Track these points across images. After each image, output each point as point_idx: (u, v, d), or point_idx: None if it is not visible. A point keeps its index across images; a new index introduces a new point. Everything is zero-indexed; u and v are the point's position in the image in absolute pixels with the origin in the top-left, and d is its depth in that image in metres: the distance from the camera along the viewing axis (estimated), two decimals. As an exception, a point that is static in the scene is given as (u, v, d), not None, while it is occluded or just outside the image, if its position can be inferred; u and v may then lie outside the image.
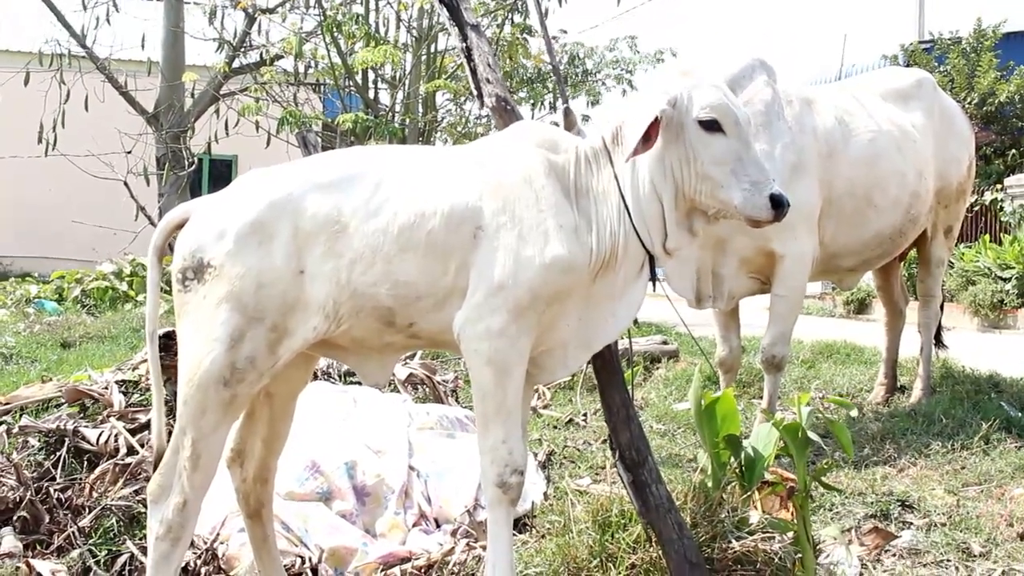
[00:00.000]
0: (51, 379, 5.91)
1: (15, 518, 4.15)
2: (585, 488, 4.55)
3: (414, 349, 3.93)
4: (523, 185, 3.10)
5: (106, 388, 5.26)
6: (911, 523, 4.27)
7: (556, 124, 3.57)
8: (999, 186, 15.87)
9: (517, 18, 12.28)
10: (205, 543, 3.95)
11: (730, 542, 3.36)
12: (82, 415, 5.10)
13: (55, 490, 4.34)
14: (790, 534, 3.47)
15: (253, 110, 11.68)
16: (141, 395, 5.26)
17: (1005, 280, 12.23)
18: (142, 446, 4.64)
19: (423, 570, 3.91)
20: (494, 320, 3.01)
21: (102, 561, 3.96)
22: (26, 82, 13.43)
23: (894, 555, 3.96)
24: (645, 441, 3.40)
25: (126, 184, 11.35)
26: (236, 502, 3.53)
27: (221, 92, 14.27)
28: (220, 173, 20.85)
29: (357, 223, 3.06)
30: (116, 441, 4.69)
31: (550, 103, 13.63)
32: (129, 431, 4.77)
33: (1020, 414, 5.70)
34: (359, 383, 5.75)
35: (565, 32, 14.63)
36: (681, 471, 4.68)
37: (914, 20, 21.16)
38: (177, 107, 14.75)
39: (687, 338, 7.63)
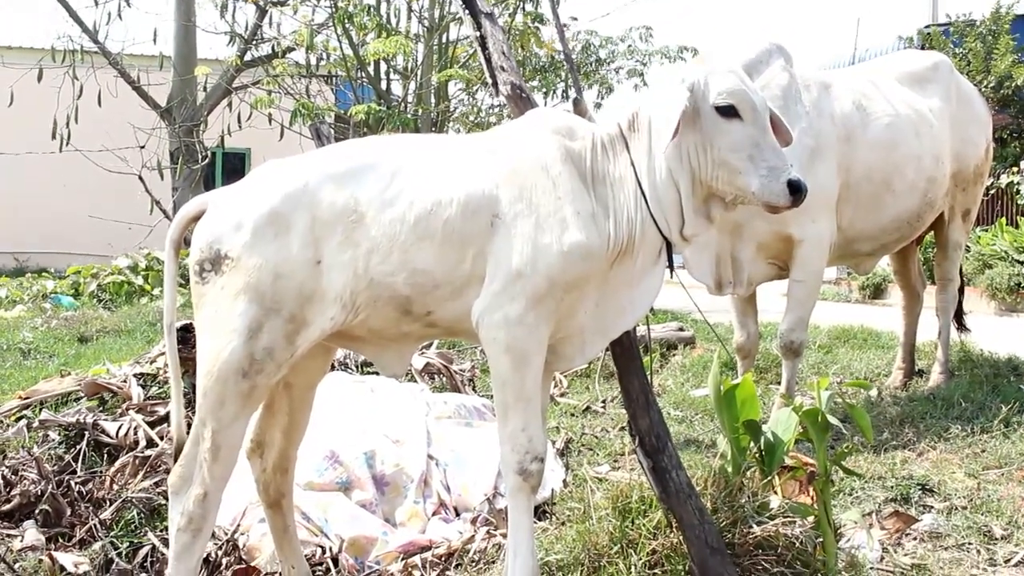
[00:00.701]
0: (69, 373, 5.93)
1: (37, 511, 4.18)
2: (604, 475, 4.55)
3: (432, 338, 3.94)
4: (539, 172, 3.09)
5: (124, 381, 5.28)
6: (932, 507, 4.25)
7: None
8: (1015, 169, 15.75)
9: (528, 6, 12.25)
10: (226, 534, 3.96)
11: (751, 527, 3.35)
12: (101, 408, 5.12)
13: (76, 483, 4.37)
14: (811, 519, 3.46)
15: (266, 103, 11.70)
16: (159, 388, 5.28)
17: (1022, 263, 12.15)
18: (161, 439, 4.65)
19: (443, 558, 3.92)
20: (512, 308, 3.01)
21: (124, 553, 3.98)
22: (39, 78, 13.46)
23: (915, 539, 3.95)
24: (665, 427, 3.39)
25: (140, 178, 11.37)
26: (256, 493, 3.54)
27: (233, 85, 14.29)
28: (233, 166, 20.89)
29: (374, 213, 3.05)
30: (135, 434, 4.71)
31: (562, 92, 13.59)
32: (148, 424, 4.79)
33: (1040, 397, 5.66)
34: (376, 373, 5.76)
35: (576, 19, 14.58)
36: (700, 457, 4.67)
37: (927, 3, 20.98)
38: (190, 101, 14.76)
39: (703, 325, 7.62)
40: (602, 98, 14.70)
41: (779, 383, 5.86)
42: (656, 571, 3.28)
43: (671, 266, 3.29)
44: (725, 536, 3.31)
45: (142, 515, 4.19)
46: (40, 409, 5.20)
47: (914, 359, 6.70)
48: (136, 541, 4.05)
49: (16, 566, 3.73)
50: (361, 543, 3.99)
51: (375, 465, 4.41)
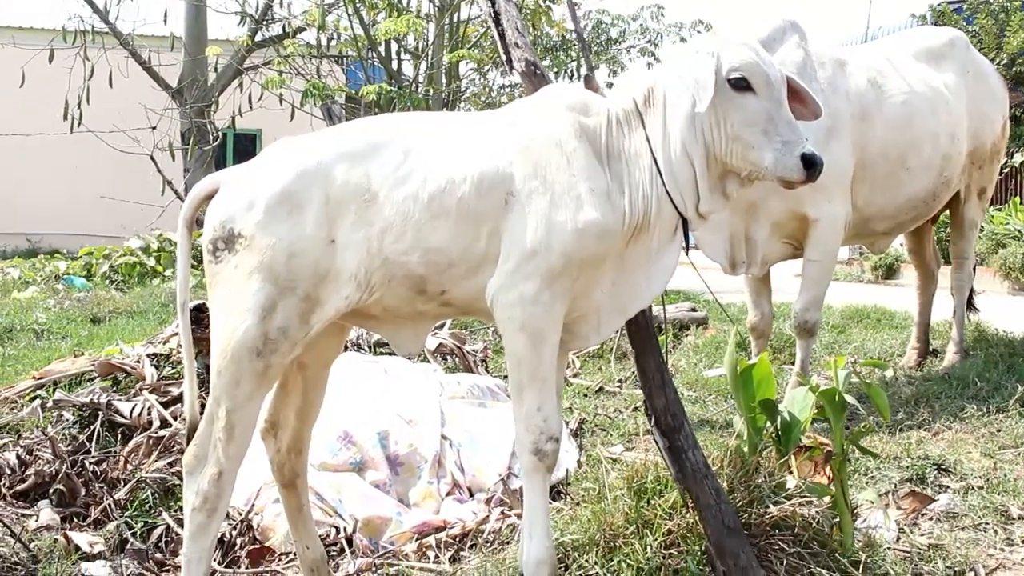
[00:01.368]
0: (83, 354, 5.94)
1: (52, 491, 4.20)
2: (618, 456, 4.54)
3: (446, 317, 3.91)
4: (554, 149, 3.06)
5: (138, 362, 5.29)
6: (948, 487, 4.23)
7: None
8: (1029, 148, 15.63)
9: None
10: (240, 514, 3.97)
11: (767, 507, 3.34)
12: (115, 389, 5.13)
13: (90, 463, 4.38)
14: (827, 498, 3.44)
15: (276, 83, 11.69)
16: (173, 368, 5.29)
17: (1036, 243, 12.09)
18: (175, 419, 4.66)
19: (458, 539, 3.92)
20: (527, 286, 2.98)
21: (138, 533, 3.99)
22: (50, 59, 13.47)
23: (931, 519, 3.93)
24: (680, 406, 3.37)
25: (152, 159, 11.35)
26: (271, 473, 3.53)
27: (244, 66, 14.28)
28: (244, 147, 20.88)
29: (387, 191, 3.03)
30: (149, 414, 4.72)
31: (574, 71, 13.54)
32: (162, 404, 4.80)
33: (1056, 376, 5.63)
34: (390, 353, 5.75)
35: (587, -3, 14.53)
36: (715, 437, 4.65)
37: (939, -20, 20.80)
38: (201, 81, 14.78)
39: (715, 305, 7.59)
40: (614, 76, 14.66)
41: (792, 363, 5.85)
42: (672, 551, 3.26)
43: (687, 244, 3.27)
44: (741, 516, 3.29)
45: (156, 495, 4.20)
46: (54, 389, 5.22)
47: (928, 339, 6.67)
48: (151, 521, 4.06)
49: (31, 545, 3.74)
50: (375, 523, 3.99)
51: (389, 445, 4.41)
